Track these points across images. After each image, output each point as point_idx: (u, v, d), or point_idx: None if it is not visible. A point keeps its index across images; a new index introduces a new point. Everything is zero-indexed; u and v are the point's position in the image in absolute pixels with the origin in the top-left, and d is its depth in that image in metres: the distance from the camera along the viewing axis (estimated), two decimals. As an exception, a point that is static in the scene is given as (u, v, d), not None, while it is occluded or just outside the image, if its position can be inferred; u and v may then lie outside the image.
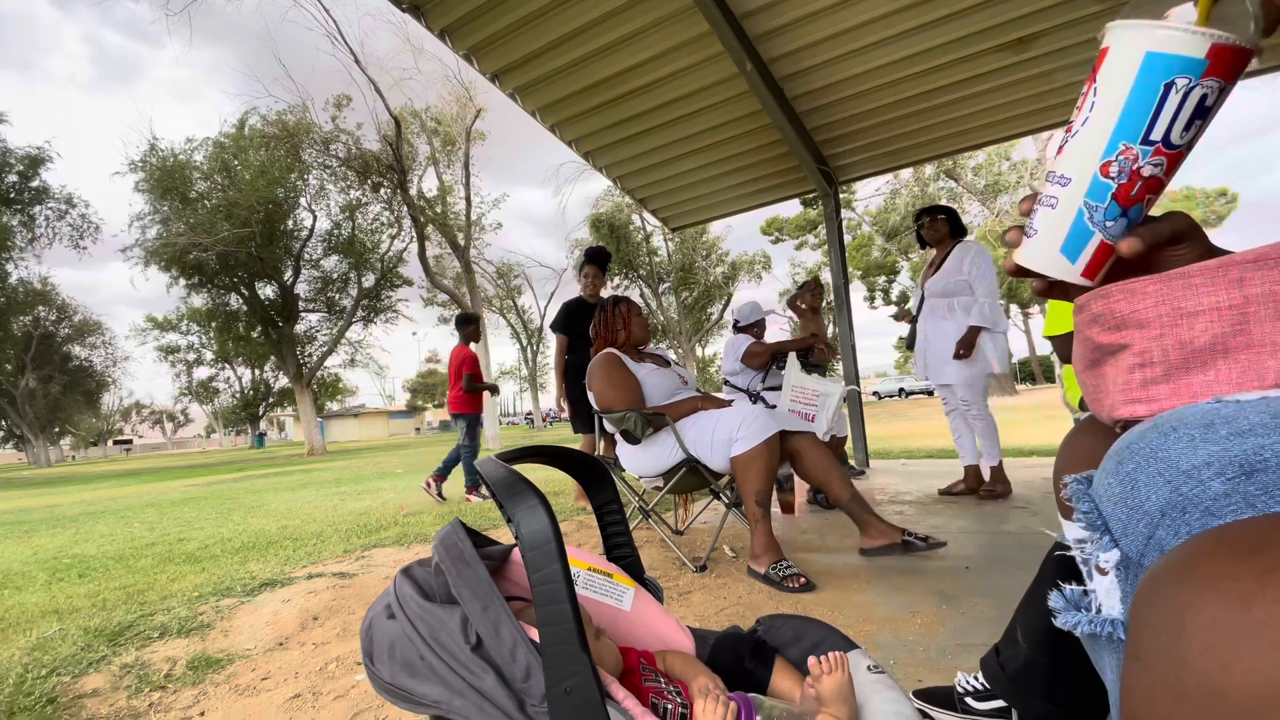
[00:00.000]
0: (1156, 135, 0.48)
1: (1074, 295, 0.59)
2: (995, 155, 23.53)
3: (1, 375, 30.87)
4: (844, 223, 5.32)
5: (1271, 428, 0.38)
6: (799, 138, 4.31)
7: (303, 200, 21.05)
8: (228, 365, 35.58)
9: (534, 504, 0.63)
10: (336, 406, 55.21)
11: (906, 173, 24.40)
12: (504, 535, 2.89)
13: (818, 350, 3.75)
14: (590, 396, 2.64)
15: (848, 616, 1.77)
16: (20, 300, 27.26)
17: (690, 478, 2.44)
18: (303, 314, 22.90)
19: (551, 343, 4.29)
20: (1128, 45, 0.49)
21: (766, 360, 3.71)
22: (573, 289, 4.73)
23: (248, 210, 18.43)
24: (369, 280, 22.84)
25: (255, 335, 22.86)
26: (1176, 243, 0.52)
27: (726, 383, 3.92)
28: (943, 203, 23.15)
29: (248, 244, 19.03)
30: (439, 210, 22.37)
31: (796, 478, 2.67)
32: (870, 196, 27.53)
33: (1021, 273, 0.59)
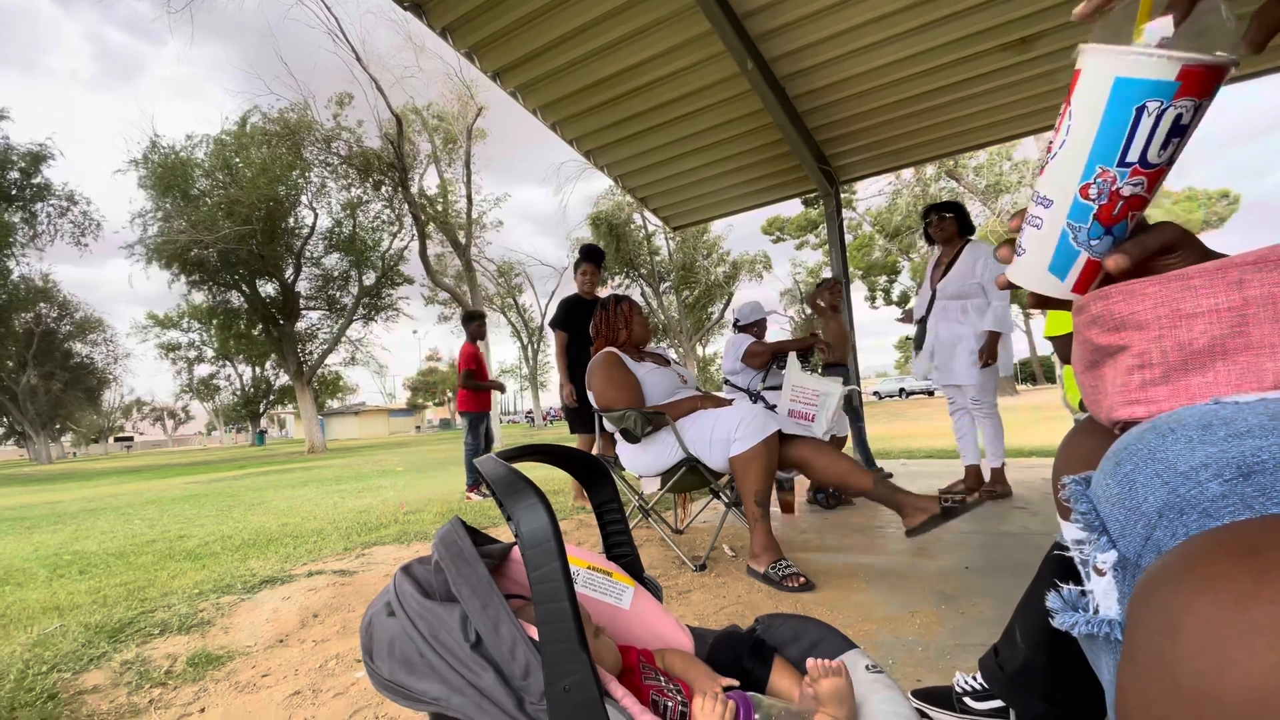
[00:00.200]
0: (1133, 157, 0.48)
1: (1065, 304, 0.59)
2: (997, 155, 23.52)
3: (3, 372, 30.90)
4: (845, 222, 5.31)
5: (1269, 429, 0.38)
6: (800, 137, 4.30)
7: (304, 198, 21.07)
8: (228, 363, 35.63)
9: (533, 502, 0.63)
10: (337, 404, 55.21)
11: (908, 173, 24.40)
12: (504, 533, 2.90)
13: (819, 349, 3.75)
14: (590, 395, 2.65)
15: (847, 616, 1.77)
16: (22, 297, 27.30)
17: (690, 477, 2.44)
18: (303, 311, 22.91)
19: (552, 341, 4.28)
20: (1098, 70, 0.48)
21: (767, 360, 3.71)
22: (573, 287, 4.75)
23: (249, 208, 18.44)
24: (370, 278, 22.85)
25: (256, 333, 22.87)
26: (1168, 253, 0.52)
27: (727, 382, 3.92)
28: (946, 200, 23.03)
29: (249, 241, 19.04)
30: (440, 208, 22.38)
31: (796, 477, 2.66)
32: (872, 197, 27.53)
33: (1014, 287, 0.59)
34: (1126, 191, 0.50)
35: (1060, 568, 0.87)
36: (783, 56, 3.76)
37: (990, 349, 3.34)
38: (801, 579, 2.06)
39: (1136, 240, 0.52)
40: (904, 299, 32.29)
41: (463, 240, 22.67)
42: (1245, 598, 0.29)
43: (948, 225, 3.56)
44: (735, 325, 4.01)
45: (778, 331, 32.76)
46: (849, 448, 4.24)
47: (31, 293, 29.81)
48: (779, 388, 3.49)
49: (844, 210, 5.30)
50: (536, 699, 0.63)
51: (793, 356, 3.42)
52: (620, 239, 27.02)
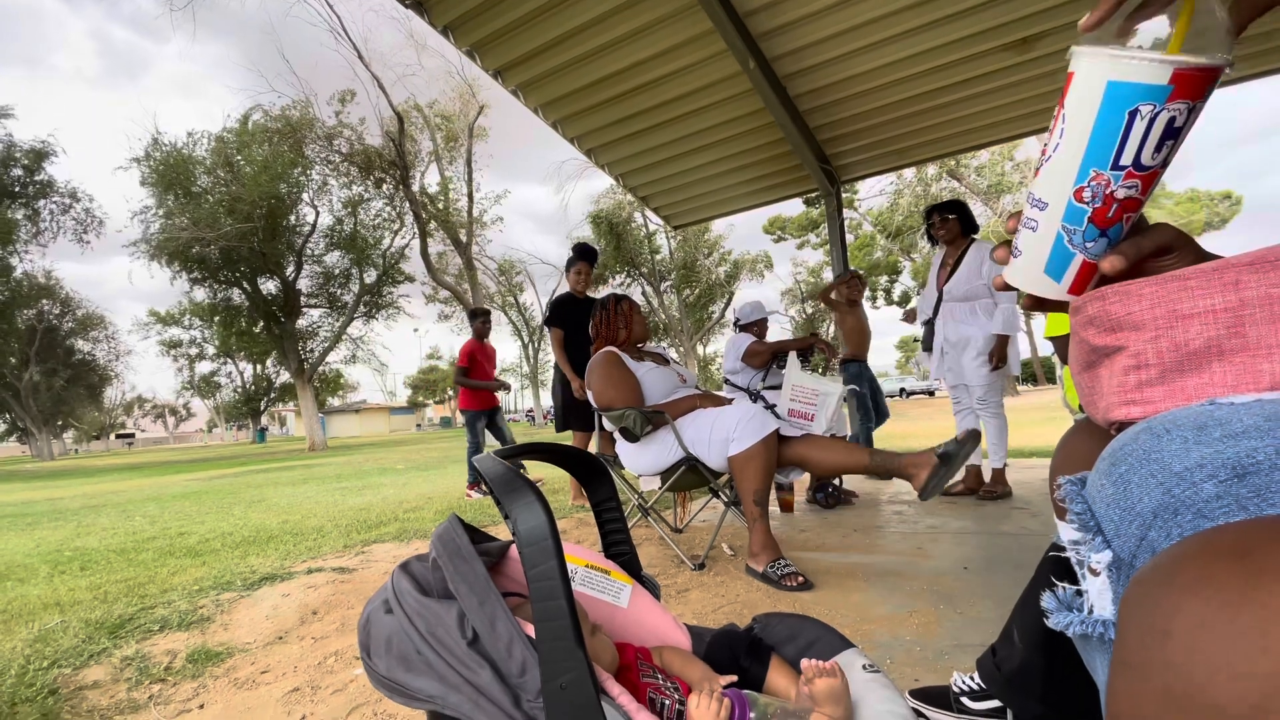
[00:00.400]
0: (1126, 160, 0.48)
1: (1063, 306, 0.59)
2: (998, 155, 23.48)
3: (6, 368, 30.93)
4: (846, 222, 5.31)
5: (1265, 430, 0.38)
6: (801, 136, 4.30)
7: (305, 195, 21.04)
8: (230, 360, 35.67)
9: (531, 501, 0.63)
10: (338, 402, 55.27)
11: (909, 172, 24.34)
12: (504, 531, 2.90)
13: (819, 349, 3.75)
14: (589, 394, 2.65)
15: (845, 616, 1.77)
16: (25, 294, 27.35)
17: (689, 476, 2.44)
18: (304, 309, 22.89)
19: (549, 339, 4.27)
20: (1090, 73, 0.48)
21: (767, 359, 3.71)
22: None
23: (250, 205, 18.44)
24: (371, 276, 22.84)
25: (257, 330, 22.86)
26: (1164, 254, 0.52)
27: (727, 381, 3.92)
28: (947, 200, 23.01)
29: (250, 239, 19.03)
30: (441, 206, 22.38)
31: (795, 480, 2.65)
32: (873, 196, 27.49)
33: (1012, 288, 0.59)
34: (1120, 194, 0.50)
35: (1058, 568, 0.87)
36: (784, 55, 3.75)
37: (999, 351, 3.34)
38: (800, 578, 2.06)
39: (1132, 241, 0.52)
40: (905, 299, 32.28)
41: (464, 238, 22.69)
42: (1237, 601, 0.29)
43: (951, 226, 3.55)
44: (736, 325, 4.01)
45: (778, 331, 32.76)
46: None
47: (34, 289, 29.86)
48: (779, 387, 3.49)
49: (845, 210, 5.29)
50: (533, 696, 0.64)
51: (793, 356, 3.42)
52: (621, 238, 27.00)
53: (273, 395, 42.21)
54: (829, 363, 3.96)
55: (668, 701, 0.75)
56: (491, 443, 5.59)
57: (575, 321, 4.01)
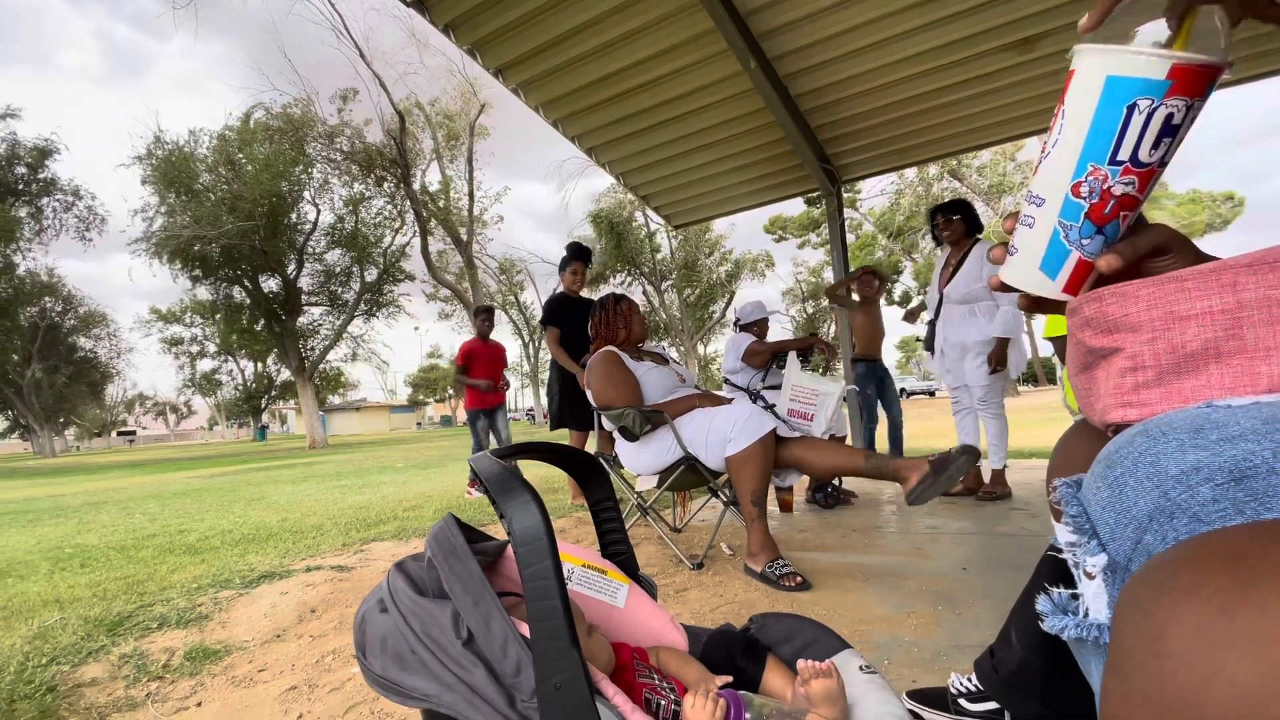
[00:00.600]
0: (1124, 155, 0.48)
1: (1061, 307, 0.59)
2: (1000, 155, 23.46)
3: (8, 365, 30.97)
4: (846, 222, 5.31)
5: (1262, 434, 0.37)
6: (802, 136, 4.29)
7: (306, 194, 21.04)
8: (231, 358, 35.71)
9: (526, 500, 0.63)
10: (338, 400, 55.27)
11: (910, 172, 24.32)
12: (502, 531, 2.90)
13: (818, 349, 3.74)
14: (589, 394, 2.65)
15: (843, 616, 1.77)
16: (27, 291, 27.36)
17: (688, 475, 2.44)
18: (305, 307, 22.90)
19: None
20: (1090, 69, 0.49)
21: (767, 359, 3.71)
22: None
23: (252, 203, 18.44)
24: (371, 274, 22.85)
25: (258, 328, 22.87)
26: (1160, 255, 0.52)
27: (727, 381, 3.91)
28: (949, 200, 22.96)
29: (251, 237, 19.03)
30: (442, 205, 22.38)
31: (794, 483, 2.64)
32: (874, 196, 27.46)
33: (1008, 288, 0.59)
34: (1118, 190, 0.50)
35: (1055, 570, 0.87)
36: (785, 55, 3.75)
37: (998, 355, 3.33)
38: (798, 578, 2.06)
39: (1128, 241, 0.52)
40: (905, 299, 32.21)
41: (464, 237, 22.70)
42: (1232, 605, 0.29)
43: (955, 226, 3.53)
44: (736, 324, 4.01)
45: (779, 331, 32.75)
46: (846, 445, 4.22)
47: (37, 287, 29.89)
48: (779, 387, 3.49)
49: (846, 209, 5.29)
50: (527, 696, 0.63)
51: (792, 356, 3.42)
52: (621, 237, 27.00)
53: (273, 393, 42.22)
54: (829, 363, 3.95)
55: (663, 702, 0.75)
56: (493, 443, 5.58)
57: (571, 320, 4.02)
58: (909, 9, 3.34)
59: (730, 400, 2.53)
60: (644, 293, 28.90)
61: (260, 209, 18.70)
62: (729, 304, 30.93)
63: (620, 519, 1.00)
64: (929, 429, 9.50)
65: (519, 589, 0.89)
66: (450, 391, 62.92)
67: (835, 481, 3.56)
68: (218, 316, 23.37)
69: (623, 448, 2.57)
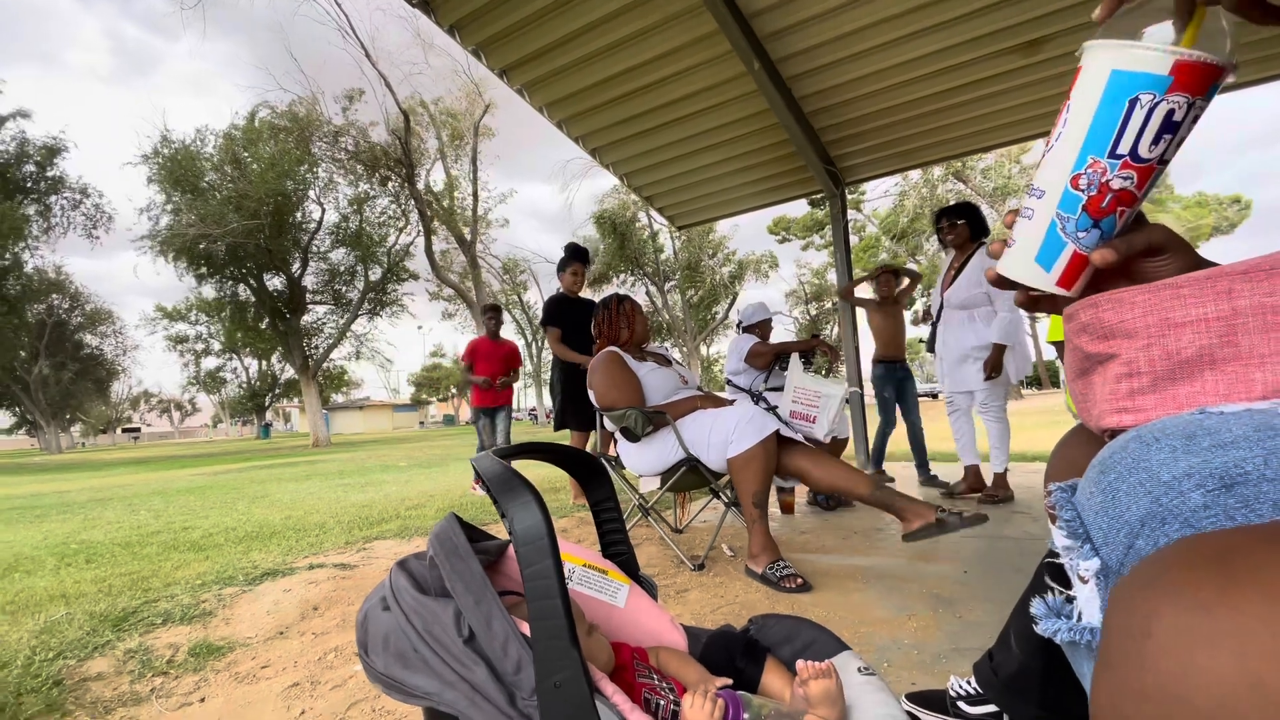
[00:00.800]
0: (1123, 149, 0.49)
1: (1059, 307, 0.59)
2: (1004, 157, 23.40)
3: (15, 362, 31.13)
4: (850, 223, 5.31)
5: (1253, 440, 0.38)
6: (806, 138, 4.29)
7: (311, 193, 21.12)
8: (235, 356, 35.85)
9: (527, 500, 0.64)
10: (341, 399, 55.37)
11: (915, 174, 24.29)
12: (504, 530, 2.91)
13: (821, 351, 3.75)
14: (591, 394, 2.65)
15: (843, 618, 1.77)
16: (35, 288, 27.48)
17: (690, 476, 2.44)
18: (310, 306, 22.99)
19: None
20: (1097, 63, 0.50)
21: (770, 361, 3.71)
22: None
23: (257, 202, 18.51)
24: (376, 273, 22.92)
25: (263, 326, 22.94)
26: (1155, 254, 0.53)
27: (729, 382, 3.92)
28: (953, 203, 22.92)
29: (257, 235, 19.10)
30: (446, 205, 22.43)
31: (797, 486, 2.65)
32: (878, 198, 27.43)
33: (1003, 283, 0.60)
34: (1116, 184, 0.50)
35: (1054, 573, 0.87)
36: (790, 57, 3.75)
37: (994, 361, 3.32)
38: (799, 580, 2.06)
39: (1124, 238, 0.52)
40: (909, 301, 32.17)
41: (468, 236, 22.75)
42: (1210, 604, 0.30)
43: (960, 230, 3.53)
44: (739, 327, 4.01)
45: (782, 333, 32.71)
46: (851, 450, 4.21)
47: (44, 284, 30.05)
48: (782, 389, 3.49)
49: (850, 211, 5.29)
50: (528, 695, 0.64)
51: (795, 358, 3.42)
52: (625, 238, 27.01)
53: (277, 391, 42.32)
54: (831, 365, 3.95)
55: (663, 702, 0.75)
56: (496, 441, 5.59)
57: (572, 321, 4.03)
58: (914, 11, 3.34)
59: (733, 402, 2.54)
60: (647, 293, 28.90)
61: (265, 208, 18.77)
62: (732, 305, 30.92)
63: (621, 519, 1.00)
64: (934, 431, 9.46)
65: (520, 588, 0.90)
66: (453, 390, 63.07)
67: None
68: (223, 314, 23.46)
69: (624, 448, 2.58)
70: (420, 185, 21.19)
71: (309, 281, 22.64)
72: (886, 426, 4.37)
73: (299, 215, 21.13)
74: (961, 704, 1.11)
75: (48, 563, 3.23)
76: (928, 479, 4.08)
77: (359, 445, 20.94)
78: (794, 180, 5.10)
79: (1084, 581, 0.43)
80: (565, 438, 4.40)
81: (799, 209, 31.86)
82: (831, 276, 32.26)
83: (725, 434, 2.24)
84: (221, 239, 18.30)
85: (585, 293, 4.35)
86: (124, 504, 6.24)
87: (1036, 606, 0.47)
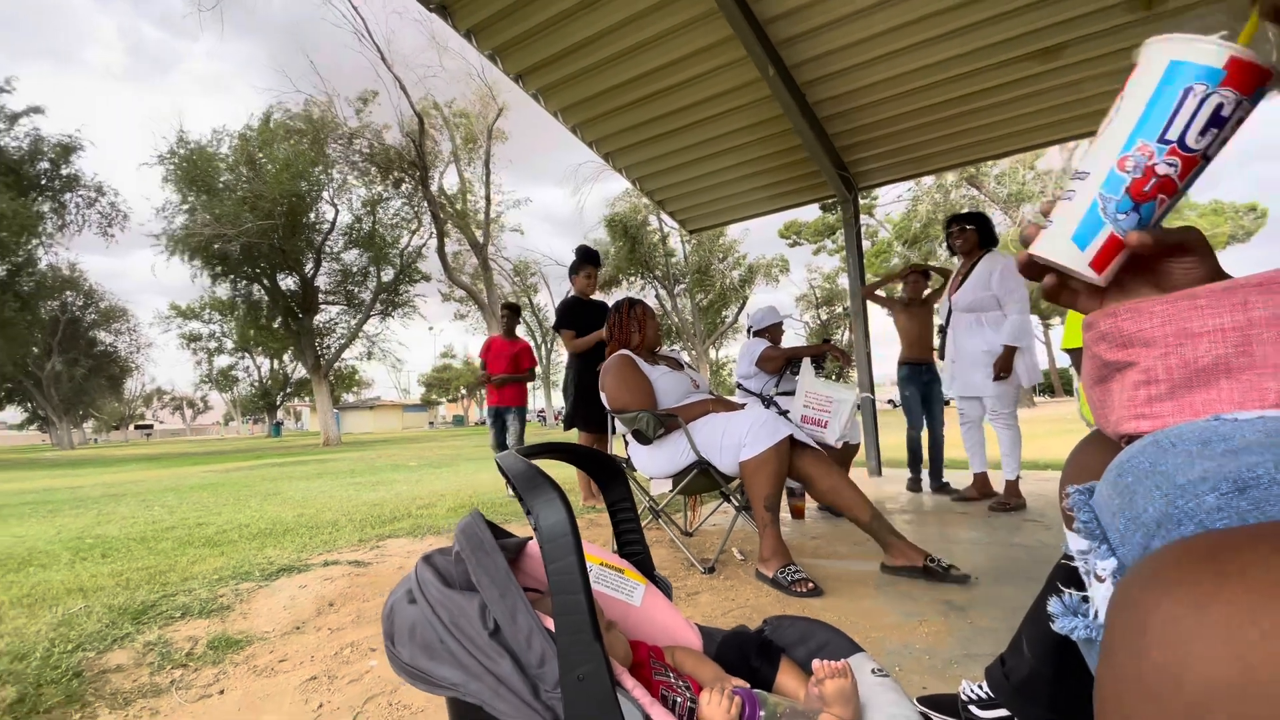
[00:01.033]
0: (1172, 135, 0.51)
1: (1080, 304, 0.60)
2: (1019, 163, 23.27)
3: (29, 358, 31.52)
4: (863, 228, 5.31)
5: (1266, 446, 0.39)
6: (819, 143, 4.30)
7: (325, 194, 21.33)
8: (247, 354, 36.19)
9: (552, 497, 0.66)
10: (352, 398, 55.78)
11: (928, 179, 24.21)
12: (516, 528, 2.92)
13: (832, 356, 3.75)
14: (603, 397, 2.67)
15: (855, 623, 1.78)
16: (49, 285, 27.83)
17: (701, 479, 2.46)
18: (322, 306, 23.17)
19: (560, 341, 4.33)
20: (1156, 55, 0.53)
21: (781, 365, 3.71)
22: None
23: (271, 202, 18.72)
24: (388, 274, 23.09)
25: (275, 326, 23.15)
26: (1183, 254, 0.54)
27: (740, 386, 3.93)
28: (966, 210, 22.88)
29: (271, 235, 19.31)
30: (459, 207, 22.57)
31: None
32: (891, 203, 27.34)
33: (1032, 270, 0.61)
34: (1161, 170, 0.52)
35: (1067, 577, 0.88)
36: (804, 62, 3.76)
37: (1004, 363, 3.31)
38: (810, 584, 2.07)
39: (1160, 229, 0.54)
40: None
41: (480, 239, 22.88)
42: (1206, 599, 0.33)
43: (969, 236, 3.55)
44: (749, 331, 4.02)
45: (792, 337, 32.64)
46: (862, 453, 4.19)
47: (59, 281, 30.45)
48: (793, 393, 3.50)
49: (862, 216, 5.29)
50: (551, 687, 0.66)
51: (806, 362, 3.42)
52: (635, 241, 27.07)
53: (289, 390, 42.69)
54: (843, 370, 3.95)
55: (679, 699, 0.77)
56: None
57: (585, 324, 4.07)
58: (929, 17, 3.34)
59: (743, 406, 2.55)
60: (657, 296, 28.94)
61: (280, 208, 18.98)
62: (742, 309, 30.90)
63: (637, 519, 1.02)
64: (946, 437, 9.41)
65: (538, 585, 0.92)
66: (463, 391, 63.31)
67: None
68: (236, 313, 23.68)
69: (636, 451, 2.60)
70: (434, 188, 21.34)
71: (322, 282, 22.85)
72: (914, 430, 4.23)
73: (313, 216, 21.33)
74: (973, 708, 1.12)
75: (62, 557, 3.28)
76: (940, 486, 4.06)
77: (369, 445, 21.06)
78: (806, 185, 5.11)
79: (1101, 581, 0.44)
80: (574, 438, 4.42)
81: (810, 213, 31.85)
82: (843, 281, 32.17)
83: (738, 437, 2.25)
84: (236, 239, 18.49)
85: (596, 295, 4.37)
86: (137, 500, 6.32)
87: (1053, 605, 0.48)
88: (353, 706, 1.41)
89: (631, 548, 1.01)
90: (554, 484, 0.67)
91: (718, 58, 3.68)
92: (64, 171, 24.06)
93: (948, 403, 4.06)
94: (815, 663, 0.78)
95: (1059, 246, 0.58)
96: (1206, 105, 0.50)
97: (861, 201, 5.24)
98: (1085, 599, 0.47)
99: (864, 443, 4.78)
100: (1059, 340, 4.45)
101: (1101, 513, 0.47)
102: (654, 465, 2.53)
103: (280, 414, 49.51)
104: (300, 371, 37.75)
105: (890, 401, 31.93)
